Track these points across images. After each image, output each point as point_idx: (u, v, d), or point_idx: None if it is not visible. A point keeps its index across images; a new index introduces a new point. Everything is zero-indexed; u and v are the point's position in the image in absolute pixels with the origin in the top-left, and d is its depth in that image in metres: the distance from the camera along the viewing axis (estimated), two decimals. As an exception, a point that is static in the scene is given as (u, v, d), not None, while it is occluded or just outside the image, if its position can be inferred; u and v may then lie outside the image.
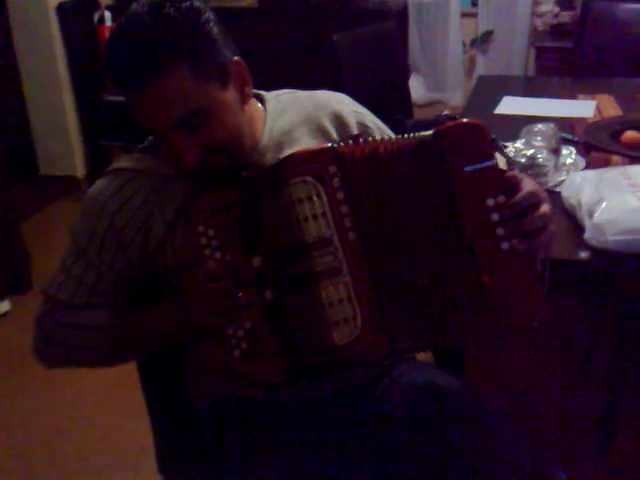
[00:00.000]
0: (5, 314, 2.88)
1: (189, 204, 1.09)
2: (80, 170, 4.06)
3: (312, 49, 3.84)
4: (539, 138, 1.69)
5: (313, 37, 3.85)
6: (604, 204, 1.38)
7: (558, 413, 2.02)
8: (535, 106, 2.33)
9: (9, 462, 2.15)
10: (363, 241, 1.01)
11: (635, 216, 1.35)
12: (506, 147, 1.71)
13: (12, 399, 2.42)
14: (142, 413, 1.39)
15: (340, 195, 1.01)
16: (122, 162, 1.17)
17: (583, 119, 2.12)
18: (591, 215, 1.39)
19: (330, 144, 1.04)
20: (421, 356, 1.25)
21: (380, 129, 1.29)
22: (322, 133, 1.21)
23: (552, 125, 1.76)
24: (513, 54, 4.49)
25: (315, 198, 1.01)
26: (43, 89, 3.87)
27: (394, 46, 3.03)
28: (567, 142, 1.89)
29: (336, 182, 1.01)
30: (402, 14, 4.22)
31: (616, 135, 1.87)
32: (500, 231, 1.00)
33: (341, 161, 1.02)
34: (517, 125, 1.84)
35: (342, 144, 1.04)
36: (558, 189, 1.60)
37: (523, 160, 1.64)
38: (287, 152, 1.13)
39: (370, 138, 1.06)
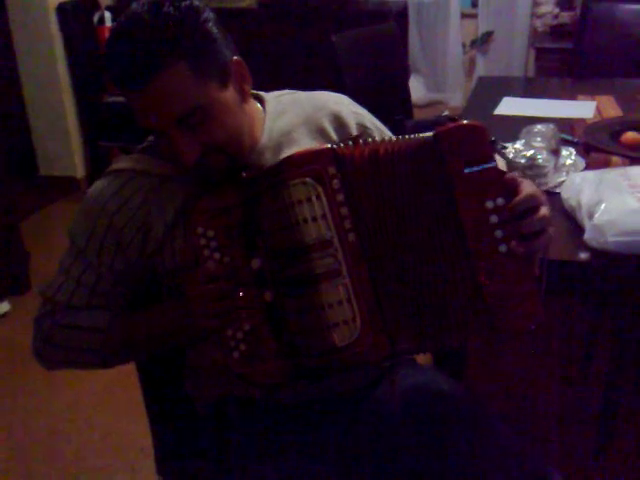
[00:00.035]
0: (4, 315, 2.88)
1: (189, 205, 1.09)
2: (80, 171, 4.06)
3: (312, 50, 3.85)
4: (539, 139, 1.69)
5: (313, 38, 3.85)
6: (604, 205, 1.38)
7: (557, 413, 2.02)
8: (535, 107, 2.33)
9: (9, 462, 2.15)
10: (363, 242, 1.01)
11: (635, 217, 1.34)
12: (506, 148, 1.71)
13: (12, 400, 2.42)
14: (141, 414, 1.39)
15: (340, 196, 1.01)
16: (121, 163, 1.17)
17: (583, 120, 2.12)
18: (591, 216, 1.39)
19: (330, 145, 1.04)
20: (420, 358, 1.25)
21: (379, 130, 1.29)
22: (321, 134, 1.21)
23: (552, 126, 1.76)
24: (513, 55, 4.49)
25: (314, 199, 1.00)
26: (43, 90, 3.87)
27: (394, 47, 3.03)
28: (567, 143, 1.89)
29: (336, 183, 1.01)
30: (402, 15, 4.22)
31: (616, 136, 1.87)
32: (499, 233, 0.99)
33: (341, 162, 1.02)
34: (517, 126, 1.83)
35: (342, 145, 1.04)
36: (558, 190, 1.60)
37: (523, 161, 1.64)
38: (286, 153, 1.13)
39: (370, 139, 1.06)
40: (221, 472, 1.21)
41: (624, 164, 1.68)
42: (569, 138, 1.94)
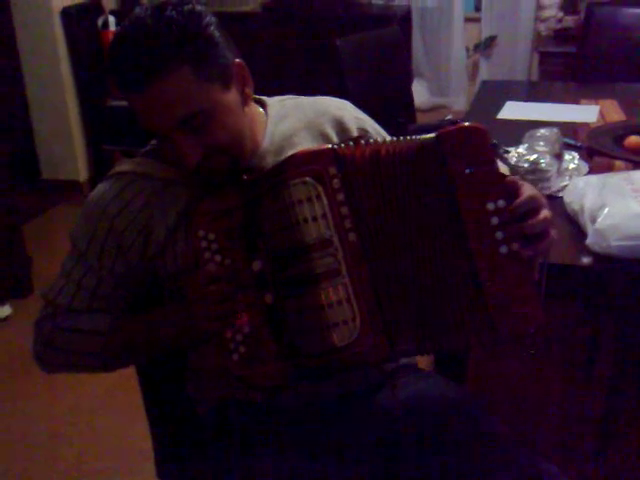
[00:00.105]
0: (6, 318, 2.88)
1: (191, 208, 1.09)
2: (82, 174, 4.06)
3: (315, 54, 3.85)
4: (542, 143, 1.69)
5: (316, 42, 3.85)
6: (607, 209, 1.37)
7: (559, 415, 2.01)
8: (538, 111, 2.33)
9: (9, 466, 2.14)
10: (363, 242, 1.01)
11: (638, 222, 1.34)
12: (509, 152, 1.71)
13: (13, 403, 2.42)
14: (141, 417, 1.39)
15: (340, 196, 1.01)
16: (123, 166, 1.17)
17: (586, 124, 2.12)
18: (594, 220, 1.38)
19: (330, 145, 1.04)
20: (421, 360, 1.24)
21: (381, 136, 1.29)
22: (323, 138, 1.21)
23: (555, 130, 1.75)
24: (516, 59, 4.50)
25: (315, 199, 1.01)
26: (46, 93, 3.88)
27: (397, 51, 3.03)
28: (570, 147, 1.89)
29: (336, 183, 1.01)
30: (406, 19, 4.22)
31: (619, 140, 1.87)
32: (499, 235, 0.99)
33: (341, 162, 1.02)
34: (520, 130, 1.83)
35: (343, 145, 1.04)
36: (561, 194, 1.60)
37: (526, 165, 1.63)
38: (287, 156, 1.13)
39: (372, 140, 1.06)
40: (221, 475, 1.21)
41: (627, 168, 1.68)
42: (572, 142, 1.94)
